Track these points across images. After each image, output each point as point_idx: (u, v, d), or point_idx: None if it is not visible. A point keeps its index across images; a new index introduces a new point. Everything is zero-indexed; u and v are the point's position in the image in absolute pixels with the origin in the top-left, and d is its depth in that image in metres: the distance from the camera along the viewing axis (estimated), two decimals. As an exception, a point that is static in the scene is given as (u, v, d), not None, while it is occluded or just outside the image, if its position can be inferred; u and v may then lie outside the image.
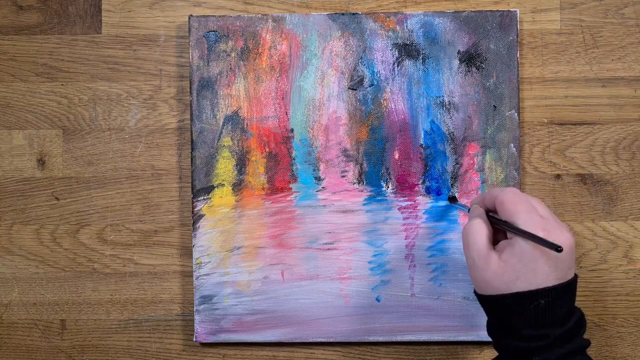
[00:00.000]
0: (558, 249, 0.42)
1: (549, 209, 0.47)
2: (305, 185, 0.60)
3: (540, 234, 0.44)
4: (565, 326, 0.44)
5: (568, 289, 0.45)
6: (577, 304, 0.59)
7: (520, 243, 0.44)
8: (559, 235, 0.44)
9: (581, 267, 0.61)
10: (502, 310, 0.45)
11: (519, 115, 0.60)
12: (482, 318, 0.59)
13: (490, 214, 0.49)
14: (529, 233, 0.44)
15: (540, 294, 0.44)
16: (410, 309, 0.59)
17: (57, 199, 0.62)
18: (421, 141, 0.60)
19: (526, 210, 0.45)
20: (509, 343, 0.45)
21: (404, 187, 0.60)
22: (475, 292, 0.48)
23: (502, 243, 0.46)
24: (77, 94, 0.62)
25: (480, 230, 0.47)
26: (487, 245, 0.46)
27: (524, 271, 0.44)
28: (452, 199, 0.59)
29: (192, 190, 0.60)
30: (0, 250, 0.62)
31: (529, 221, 0.45)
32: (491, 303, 0.46)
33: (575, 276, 0.46)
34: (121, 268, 0.62)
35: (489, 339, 0.59)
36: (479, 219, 0.48)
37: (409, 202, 0.60)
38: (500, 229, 0.48)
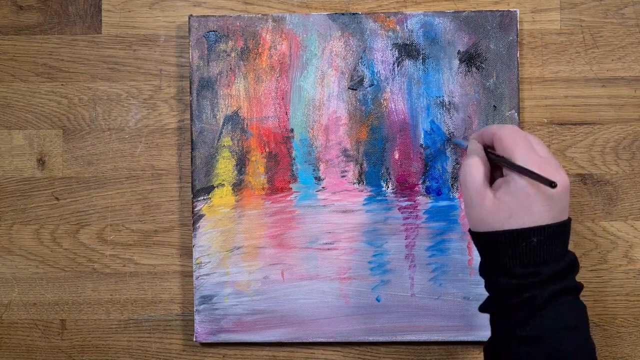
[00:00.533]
0: (552, 184, 0.42)
1: (547, 148, 0.47)
2: (305, 185, 0.60)
3: (537, 170, 0.43)
4: (558, 265, 0.44)
5: (561, 229, 0.44)
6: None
7: (516, 180, 0.44)
8: (555, 174, 0.44)
9: (581, 267, 0.61)
10: (495, 248, 0.45)
11: (519, 115, 0.60)
12: (482, 318, 0.59)
13: (488, 150, 0.48)
14: (524, 168, 0.43)
15: (533, 232, 0.43)
16: (410, 309, 0.59)
17: (57, 199, 0.62)
18: (421, 141, 0.60)
19: (524, 147, 0.45)
20: (500, 280, 0.45)
21: (404, 187, 0.60)
22: (469, 230, 0.48)
23: (499, 181, 0.46)
24: (77, 94, 0.62)
25: (477, 167, 0.46)
26: (483, 183, 0.46)
27: (517, 209, 0.44)
28: (452, 138, 0.59)
29: (192, 190, 0.60)
30: (0, 250, 0.62)
31: (526, 158, 0.44)
32: (484, 240, 0.46)
33: (569, 219, 0.45)
34: (121, 268, 0.62)
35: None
36: (476, 157, 0.47)
37: (409, 202, 0.60)
38: (498, 167, 0.47)
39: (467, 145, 0.50)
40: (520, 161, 0.44)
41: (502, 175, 0.47)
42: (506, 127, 0.47)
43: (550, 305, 0.44)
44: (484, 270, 0.48)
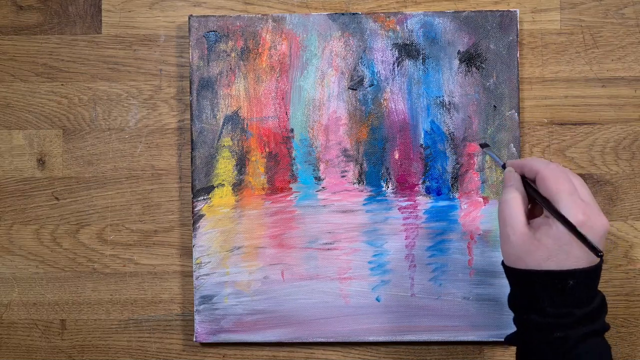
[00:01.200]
0: (599, 253, 0.43)
1: (589, 190, 0.47)
2: (305, 185, 0.60)
3: (581, 218, 0.43)
4: (590, 306, 0.44)
5: (596, 271, 0.45)
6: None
7: (558, 225, 0.44)
8: (597, 220, 0.44)
9: (581, 267, 0.61)
10: (530, 286, 0.45)
11: (519, 115, 0.60)
12: (482, 318, 0.59)
13: (530, 185, 0.48)
14: (572, 225, 0.43)
15: (571, 275, 0.44)
16: (410, 309, 0.59)
17: (57, 199, 0.62)
18: (421, 141, 0.60)
19: (568, 191, 0.44)
20: (532, 318, 0.45)
21: (404, 187, 0.60)
22: (503, 263, 0.48)
23: (539, 221, 0.46)
24: (77, 94, 0.62)
25: (518, 204, 0.46)
26: (523, 222, 0.46)
27: (557, 252, 0.44)
28: (484, 145, 0.57)
29: (192, 190, 0.60)
30: (0, 250, 0.62)
31: (570, 204, 0.44)
32: (519, 277, 0.46)
33: (601, 259, 0.45)
34: (121, 268, 0.62)
35: (489, 339, 0.59)
36: (516, 193, 0.47)
37: (409, 202, 0.60)
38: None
39: (504, 168, 0.50)
40: (564, 207, 0.44)
41: (541, 211, 0.47)
42: (550, 166, 0.46)
43: (580, 346, 0.44)
44: (514, 305, 0.48)
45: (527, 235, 0.45)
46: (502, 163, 0.52)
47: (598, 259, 0.45)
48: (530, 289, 0.45)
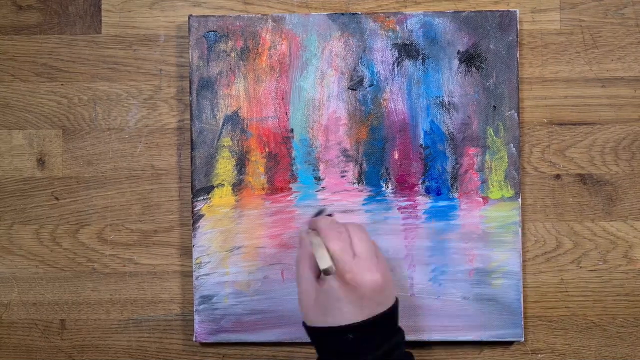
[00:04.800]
0: (326, 271, 0.47)
1: (370, 244, 0.50)
2: (305, 185, 0.60)
3: (347, 276, 0.47)
4: (376, 352, 0.47)
5: (377, 322, 0.48)
6: (577, 303, 0.59)
7: (328, 280, 0.48)
8: (366, 275, 0.47)
9: (581, 267, 0.61)
10: (317, 342, 0.49)
11: (518, 115, 0.60)
12: (481, 318, 0.59)
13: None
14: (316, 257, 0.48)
15: (348, 329, 0.47)
16: (409, 308, 0.59)
17: (56, 198, 0.62)
18: (421, 141, 0.60)
19: (340, 248, 0.48)
20: None
21: (404, 187, 0.60)
22: (303, 322, 0.51)
23: (322, 277, 0.49)
24: (76, 93, 0.62)
25: (305, 261, 0.50)
26: (309, 279, 0.50)
27: (331, 308, 0.47)
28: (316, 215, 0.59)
29: (191, 190, 0.60)
30: (0, 250, 0.62)
31: (338, 260, 0.48)
32: (309, 334, 0.50)
33: (391, 307, 0.49)
34: (121, 268, 0.62)
35: (489, 339, 0.59)
36: (304, 249, 0.51)
37: (409, 202, 0.60)
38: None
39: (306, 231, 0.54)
40: (334, 257, 0.48)
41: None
42: (329, 225, 0.50)
43: None
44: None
45: (311, 291, 0.49)
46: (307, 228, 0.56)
47: (380, 311, 0.48)
48: (318, 345, 0.49)
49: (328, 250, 0.48)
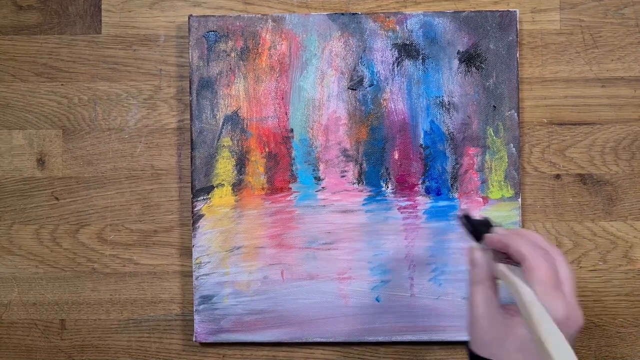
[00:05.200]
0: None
1: (573, 276, 0.42)
2: (305, 185, 0.60)
3: (562, 314, 0.39)
4: None
5: None
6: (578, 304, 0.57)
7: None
8: (575, 319, 0.40)
9: (581, 267, 0.61)
10: None
11: (518, 115, 0.60)
12: (482, 318, 0.59)
13: (501, 266, 0.43)
14: (537, 333, 0.39)
15: None
16: (409, 309, 0.59)
17: (56, 198, 0.62)
18: (421, 141, 0.60)
19: (552, 285, 0.40)
20: None
21: (404, 187, 0.60)
22: (467, 346, 0.44)
23: (515, 307, 0.42)
24: (77, 94, 0.62)
25: (485, 295, 0.43)
26: (494, 311, 0.42)
27: (529, 345, 0.40)
28: (466, 219, 0.47)
29: (191, 190, 0.60)
30: (0, 250, 0.62)
31: (551, 300, 0.40)
32: (474, 358, 0.43)
33: None
34: (121, 268, 0.62)
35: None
36: (483, 285, 0.43)
37: (409, 202, 0.60)
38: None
39: (474, 251, 0.44)
40: (541, 297, 0.39)
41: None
42: (538, 251, 0.41)
43: None
44: None
45: (495, 320, 0.42)
46: (478, 238, 0.45)
47: None
48: None
49: (539, 283, 0.40)
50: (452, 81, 0.60)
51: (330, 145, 0.60)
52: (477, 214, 0.49)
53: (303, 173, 0.60)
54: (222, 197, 0.60)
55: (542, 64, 0.61)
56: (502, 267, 0.43)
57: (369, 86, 0.60)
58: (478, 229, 0.45)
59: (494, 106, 0.60)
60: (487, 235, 0.44)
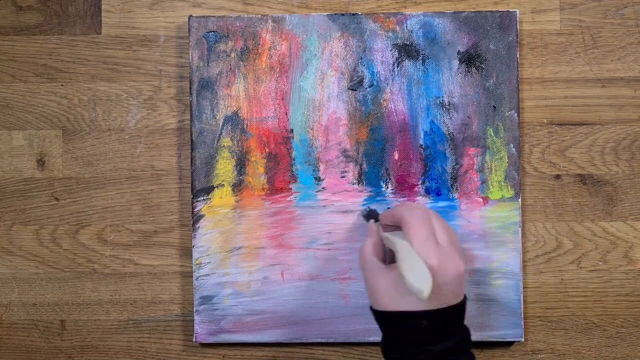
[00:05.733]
0: (421, 294, 0.44)
1: (451, 233, 0.50)
2: (305, 185, 0.60)
3: (433, 262, 0.46)
4: (448, 344, 0.47)
5: (451, 312, 0.47)
6: (577, 304, 0.59)
7: None
8: (449, 263, 0.47)
9: (581, 267, 0.61)
10: (389, 326, 0.49)
11: (518, 115, 0.60)
12: (481, 318, 0.59)
13: (384, 233, 0.51)
14: (401, 269, 0.46)
15: (423, 315, 0.46)
16: None
17: (56, 199, 0.62)
18: (421, 141, 0.60)
19: (424, 236, 0.47)
20: (393, 356, 0.48)
21: (404, 187, 0.60)
22: (370, 307, 0.51)
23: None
24: (77, 94, 0.62)
25: (370, 251, 0.51)
26: (377, 264, 0.50)
27: (407, 293, 0.46)
28: (370, 214, 0.58)
29: (191, 190, 0.60)
30: (0, 250, 0.62)
31: (423, 248, 0.47)
32: (379, 318, 0.49)
33: (463, 301, 0.48)
34: (121, 268, 0.62)
35: (489, 339, 0.59)
36: (369, 240, 0.52)
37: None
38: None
39: (367, 221, 0.55)
40: (416, 248, 0.47)
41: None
42: (414, 213, 0.49)
43: None
44: (382, 346, 0.50)
45: (383, 276, 0.49)
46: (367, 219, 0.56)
47: (454, 302, 0.47)
48: (390, 330, 0.48)
49: (413, 236, 0.47)
50: (452, 81, 0.60)
51: (331, 146, 0.60)
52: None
53: (303, 173, 0.60)
54: (222, 198, 0.60)
55: (542, 64, 0.61)
56: (386, 234, 0.51)
57: (369, 86, 0.60)
58: (375, 213, 0.57)
59: (494, 106, 0.60)
60: (381, 213, 0.55)
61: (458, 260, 0.48)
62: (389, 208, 0.57)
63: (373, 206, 0.59)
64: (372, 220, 0.55)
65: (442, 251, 0.47)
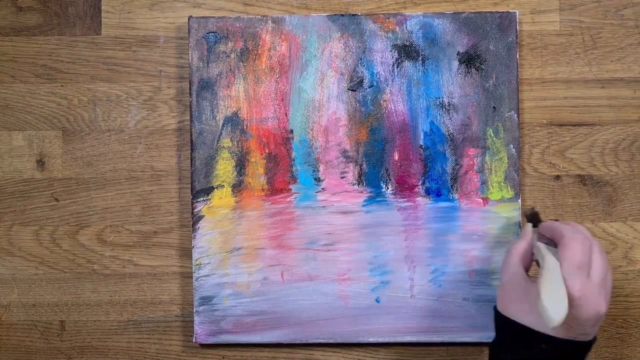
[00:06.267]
0: (550, 322, 0.42)
1: (607, 272, 0.46)
2: (304, 186, 0.60)
3: (575, 293, 0.43)
4: None
5: (573, 347, 0.45)
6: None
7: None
8: (593, 301, 0.44)
9: (581, 268, 0.61)
10: (507, 333, 0.47)
11: (518, 116, 0.60)
12: (482, 319, 0.59)
13: (538, 244, 0.49)
14: (540, 288, 0.43)
15: (545, 339, 0.45)
16: (409, 310, 0.59)
17: (56, 200, 0.62)
18: (421, 142, 0.60)
19: (577, 264, 0.44)
20: (503, 359, 0.47)
21: (404, 188, 0.60)
22: (495, 307, 0.50)
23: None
24: (76, 95, 0.62)
25: (517, 255, 0.49)
26: (518, 271, 0.48)
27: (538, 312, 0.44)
28: (533, 217, 0.53)
29: (191, 191, 0.60)
30: (0, 251, 0.62)
31: (571, 275, 0.44)
32: (502, 323, 0.48)
33: (590, 341, 0.46)
34: (120, 269, 0.62)
35: (489, 340, 0.59)
36: (521, 243, 0.49)
37: (409, 203, 0.60)
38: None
39: (529, 222, 0.52)
40: (564, 272, 0.44)
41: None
42: (577, 235, 0.46)
43: None
44: (491, 346, 0.49)
45: (518, 283, 0.47)
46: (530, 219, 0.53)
47: (582, 339, 0.45)
48: (507, 336, 0.47)
49: (565, 260, 0.44)
50: (452, 82, 0.60)
51: (330, 146, 0.60)
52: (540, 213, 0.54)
53: (303, 174, 0.60)
54: (222, 198, 0.60)
55: (541, 65, 0.61)
56: (539, 244, 0.49)
57: (369, 87, 0.60)
58: (537, 218, 0.52)
59: (493, 107, 0.60)
60: (544, 222, 0.51)
61: (602, 301, 0.44)
62: (557, 220, 0.53)
63: (535, 209, 0.53)
64: (530, 225, 0.52)
65: (589, 286, 0.44)
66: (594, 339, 0.47)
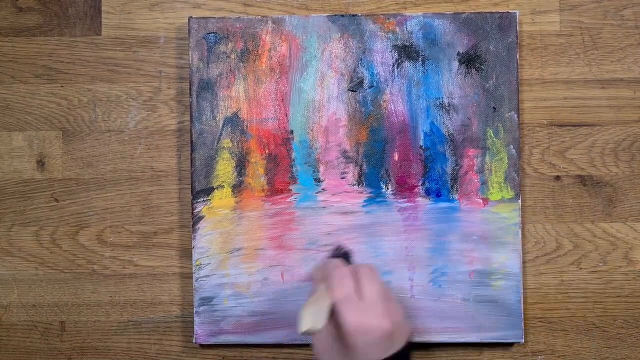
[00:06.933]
0: (306, 332, 0.44)
1: (380, 286, 0.47)
2: (304, 186, 0.60)
3: (352, 321, 0.45)
4: None
5: None
6: (577, 305, 0.60)
7: (339, 328, 0.46)
8: (372, 322, 0.45)
9: (581, 268, 0.61)
10: None
11: (518, 116, 0.60)
12: (482, 320, 0.59)
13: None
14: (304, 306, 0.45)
15: None
16: (409, 310, 0.59)
17: (56, 200, 0.62)
18: (421, 142, 0.60)
19: (343, 296, 0.46)
20: None
21: (404, 188, 0.60)
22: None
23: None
24: (76, 95, 0.62)
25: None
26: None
27: (343, 354, 0.46)
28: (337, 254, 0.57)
29: (191, 191, 0.60)
30: (0, 251, 0.62)
31: (346, 305, 0.45)
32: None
33: (400, 351, 0.47)
34: (121, 270, 0.62)
35: (489, 341, 0.59)
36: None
37: (409, 204, 0.60)
38: None
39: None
40: (336, 303, 0.46)
41: None
42: (339, 268, 0.48)
43: None
44: None
45: (321, 337, 0.47)
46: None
47: (389, 353, 0.46)
48: None
49: (335, 299, 0.46)
50: (452, 83, 0.60)
51: (330, 147, 0.60)
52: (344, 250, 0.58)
53: (303, 174, 0.60)
54: (222, 199, 0.60)
55: (541, 66, 0.61)
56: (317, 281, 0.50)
57: (369, 88, 0.60)
58: (343, 254, 0.57)
59: (493, 107, 0.60)
60: (314, 268, 0.52)
61: (381, 317, 0.46)
62: (343, 252, 0.57)
63: (344, 247, 0.58)
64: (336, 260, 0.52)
65: (366, 308, 0.46)
66: (406, 346, 0.47)
